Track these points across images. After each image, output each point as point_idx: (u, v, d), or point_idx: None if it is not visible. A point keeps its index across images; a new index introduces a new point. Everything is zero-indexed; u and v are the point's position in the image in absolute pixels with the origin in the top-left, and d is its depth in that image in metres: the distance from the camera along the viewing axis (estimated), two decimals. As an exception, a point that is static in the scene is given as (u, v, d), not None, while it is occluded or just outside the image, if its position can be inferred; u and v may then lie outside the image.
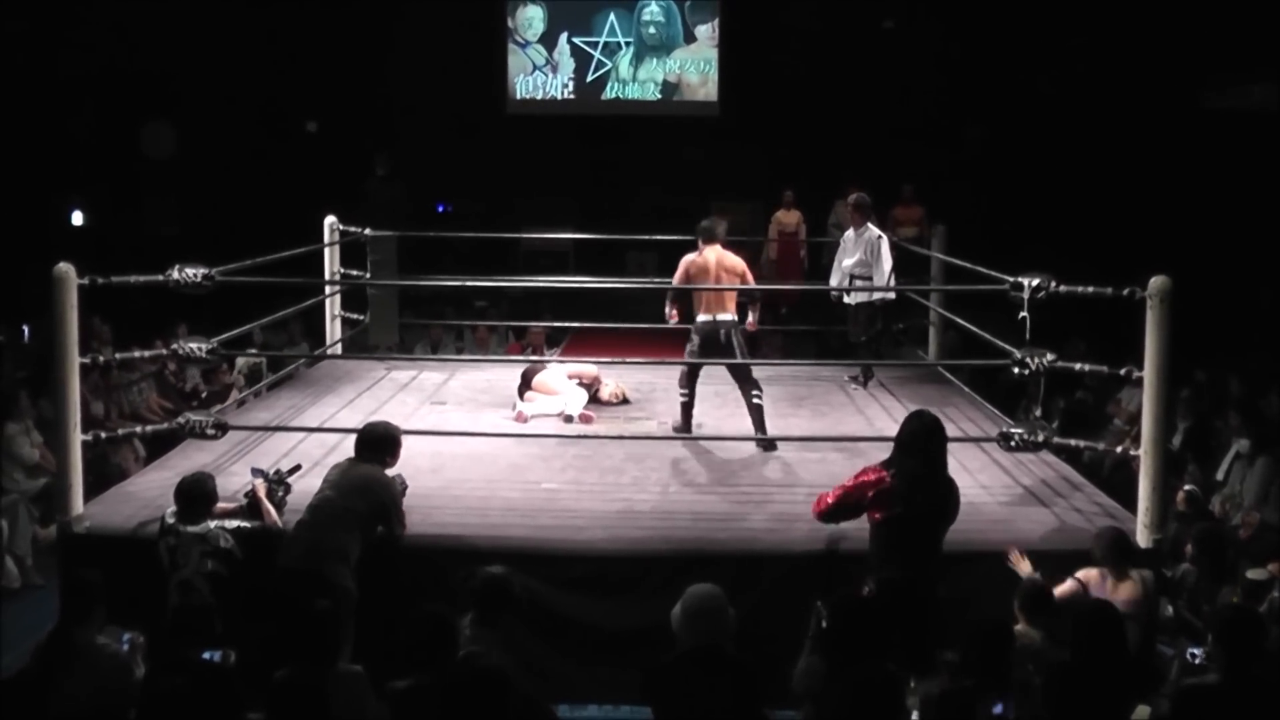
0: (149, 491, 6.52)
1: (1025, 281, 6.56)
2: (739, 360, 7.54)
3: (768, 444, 7.43)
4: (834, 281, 9.58)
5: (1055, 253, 9.40)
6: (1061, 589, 5.43)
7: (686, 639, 4.23)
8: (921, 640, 4.72)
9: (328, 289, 9.94)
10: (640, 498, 6.65)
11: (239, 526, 5.79)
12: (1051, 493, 6.73)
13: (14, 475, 8.51)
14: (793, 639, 4.93)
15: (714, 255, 7.59)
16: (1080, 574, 5.54)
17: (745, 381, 7.53)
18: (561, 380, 8.42)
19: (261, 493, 5.97)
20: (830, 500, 5.39)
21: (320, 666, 4.38)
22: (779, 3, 16.06)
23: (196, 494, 5.77)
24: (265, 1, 15.11)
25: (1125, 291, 6.09)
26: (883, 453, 5.45)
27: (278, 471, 6.21)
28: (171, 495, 5.84)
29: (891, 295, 9.25)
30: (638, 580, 5.92)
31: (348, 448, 6.21)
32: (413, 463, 6.48)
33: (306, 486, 6.05)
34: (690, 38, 17.00)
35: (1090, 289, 6.38)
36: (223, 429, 6.84)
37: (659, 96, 17.11)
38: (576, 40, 17.02)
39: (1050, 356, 6.55)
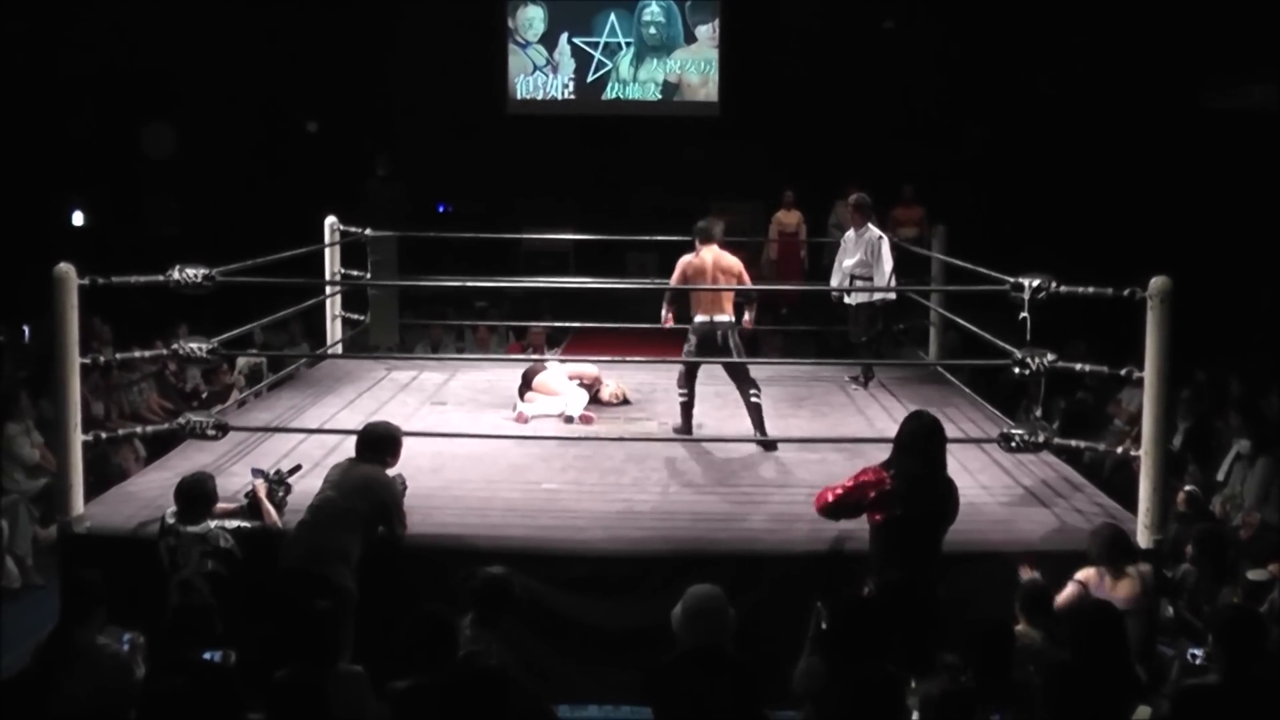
0: (149, 492, 6.52)
1: (1025, 282, 6.56)
2: (736, 360, 7.54)
3: (768, 443, 7.44)
4: (834, 282, 9.58)
5: (1055, 253, 9.41)
6: (1064, 595, 5.42)
7: (687, 639, 4.23)
8: (921, 641, 4.72)
9: (328, 289, 9.94)
10: (640, 498, 6.65)
11: (239, 526, 5.79)
12: (1052, 493, 6.72)
13: (14, 475, 8.51)
14: (793, 639, 4.93)
15: (711, 256, 7.59)
16: (1079, 575, 5.54)
17: (743, 381, 7.54)
18: (562, 381, 8.42)
19: (262, 493, 5.97)
20: (830, 499, 5.40)
21: (321, 667, 4.38)
22: (779, 3, 16.06)
23: (196, 494, 5.78)
24: (265, 1, 15.11)
25: (1126, 292, 6.09)
26: (883, 453, 5.44)
27: (278, 472, 6.21)
28: (171, 495, 5.85)
29: (892, 296, 9.25)
30: (638, 580, 5.92)
31: (348, 448, 6.21)
32: (413, 463, 6.48)
33: (307, 487, 6.05)
34: (691, 38, 17.01)
35: (1090, 289, 6.37)
36: (223, 429, 6.84)
37: (659, 97, 17.11)
38: (577, 40, 17.02)
39: (1050, 357, 6.55)
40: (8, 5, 13.28)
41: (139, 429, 7.74)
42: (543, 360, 9.05)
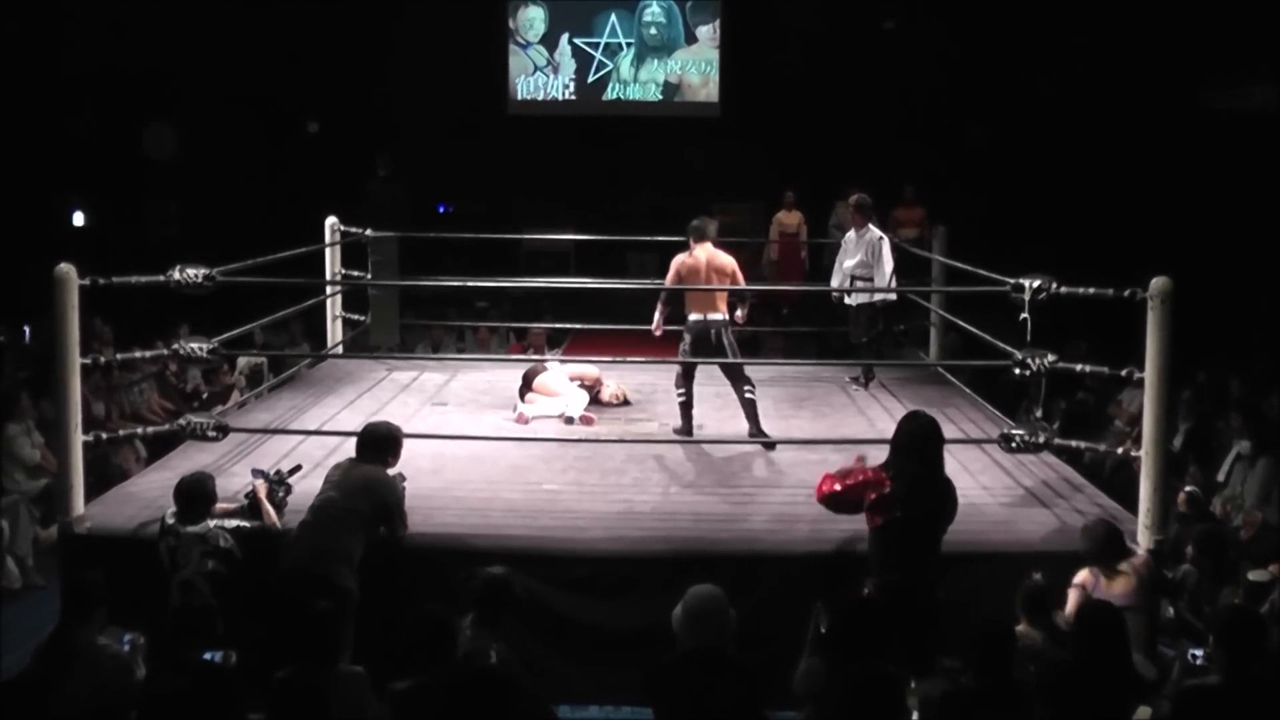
0: (150, 492, 6.52)
1: (1026, 283, 6.56)
2: (731, 360, 7.58)
3: (762, 439, 7.48)
4: (835, 282, 9.58)
5: (1056, 254, 9.40)
6: (1070, 604, 5.42)
7: (687, 640, 4.23)
8: (921, 642, 4.72)
9: (329, 289, 9.94)
10: (641, 499, 6.65)
11: (239, 526, 5.79)
12: (1052, 494, 6.72)
13: (15, 476, 8.52)
14: (793, 640, 4.94)
15: (704, 255, 7.62)
16: (1077, 579, 5.54)
17: (737, 379, 7.59)
18: (562, 381, 8.42)
19: (262, 494, 5.97)
20: (829, 491, 5.42)
21: (321, 667, 4.38)
22: (780, 4, 16.06)
23: (196, 494, 5.78)
24: (265, 1, 15.11)
25: (1126, 292, 6.09)
26: (884, 453, 5.44)
27: (278, 472, 6.21)
28: (172, 496, 5.84)
29: (892, 296, 9.25)
30: (638, 581, 5.92)
31: (349, 449, 6.21)
32: (414, 463, 6.49)
33: (307, 487, 6.05)
34: (691, 38, 17.01)
35: (1091, 290, 6.38)
36: (224, 430, 6.85)
37: (660, 97, 17.11)
38: (577, 41, 17.02)
39: (1051, 358, 6.56)
40: (8, 5, 13.28)
41: (140, 429, 7.74)
42: (543, 361, 9.05)
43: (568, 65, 17.06)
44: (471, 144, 16.11)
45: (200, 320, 9.45)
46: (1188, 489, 7.80)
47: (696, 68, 17.05)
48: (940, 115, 15.68)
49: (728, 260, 7.67)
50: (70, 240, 14.46)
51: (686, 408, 7.70)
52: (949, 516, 5.36)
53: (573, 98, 17.10)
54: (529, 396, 8.38)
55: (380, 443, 5.94)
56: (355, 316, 10.21)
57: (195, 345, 6.92)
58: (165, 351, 7.37)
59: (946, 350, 10.19)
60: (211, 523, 5.72)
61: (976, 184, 15.07)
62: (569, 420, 8.06)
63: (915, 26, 16.02)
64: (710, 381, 7.93)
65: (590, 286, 12.18)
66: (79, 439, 6.23)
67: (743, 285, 7.81)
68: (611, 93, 17.11)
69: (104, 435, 6.85)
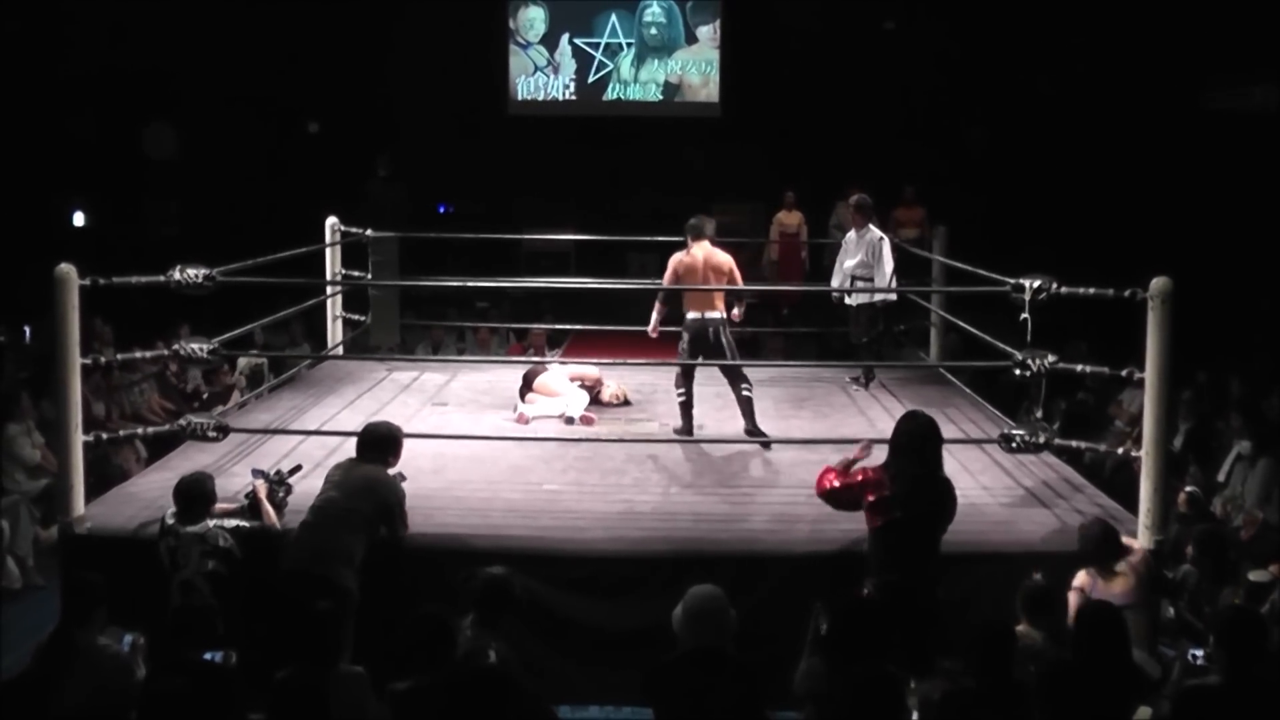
0: (150, 492, 6.52)
1: (1026, 283, 6.56)
2: (729, 359, 7.61)
3: (756, 434, 7.52)
4: (835, 283, 9.58)
5: (1056, 254, 9.40)
6: (1071, 610, 5.41)
7: (688, 640, 4.24)
8: (921, 642, 4.72)
9: (329, 290, 9.94)
10: (641, 499, 6.65)
11: (238, 526, 5.79)
12: (1053, 494, 6.72)
13: (15, 476, 8.52)
14: (794, 640, 4.94)
15: (702, 253, 7.64)
16: (1076, 583, 5.53)
17: (735, 377, 7.62)
18: (563, 382, 8.42)
19: (262, 494, 5.97)
20: (828, 486, 5.44)
21: (321, 667, 4.38)
22: (780, 4, 16.06)
23: (195, 494, 5.78)
24: (266, 1, 15.11)
25: (1126, 293, 6.09)
26: (885, 454, 5.45)
27: (278, 472, 6.21)
28: (171, 496, 5.84)
29: (893, 297, 9.25)
30: (639, 581, 5.92)
31: (349, 449, 6.21)
32: (414, 464, 6.49)
33: (308, 487, 6.05)
34: (691, 39, 17.01)
35: (1091, 290, 6.38)
36: (224, 430, 6.85)
37: (660, 97, 17.11)
38: (578, 41, 17.02)
39: (1051, 358, 6.56)
40: (8, 5, 13.29)
41: (140, 430, 7.74)
42: (544, 361, 9.05)
43: (568, 65, 17.06)
44: (472, 144, 16.11)
45: (201, 320, 9.45)
46: (1188, 489, 7.80)
47: (697, 68, 17.05)
48: (940, 115, 15.68)
49: (725, 258, 7.69)
50: (70, 240, 14.46)
51: (687, 407, 7.71)
52: (948, 516, 5.36)
53: (573, 98, 17.10)
54: (529, 397, 8.38)
55: (381, 443, 5.95)
56: (356, 317, 10.21)
57: (195, 345, 6.92)
58: (165, 352, 7.37)
59: (947, 350, 10.19)
60: (211, 522, 5.72)
61: (977, 184, 15.08)
62: (569, 420, 8.06)
63: (915, 27, 16.03)
64: (710, 381, 7.93)
65: (590, 287, 12.19)
66: (79, 439, 6.23)
67: (740, 284, 7.82)
68: (612, 93, 17.11)
69: (104, 435, 6.85)
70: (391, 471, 5.94)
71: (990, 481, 6.89)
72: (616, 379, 8.78)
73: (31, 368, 9.88)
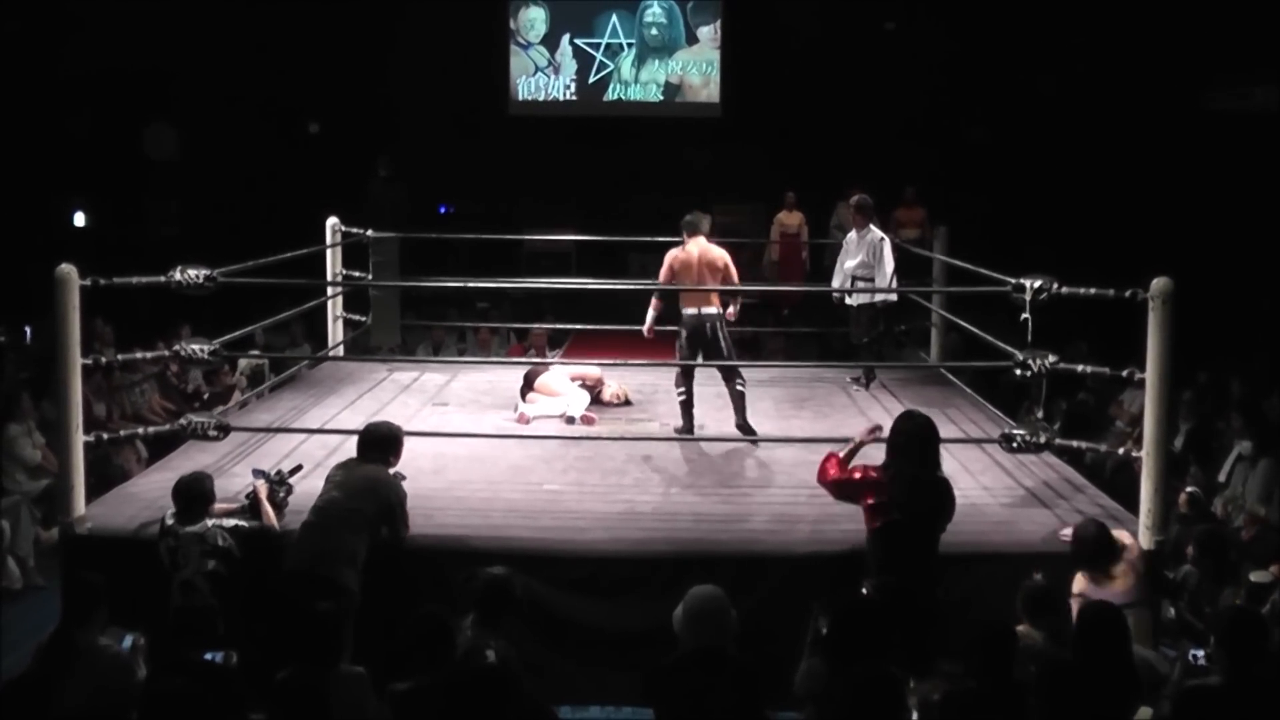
0: (151, 493, 6.52)
1: (1027, 283, 6.56)
2: (725, 358, 7.65)
3: (748, 430, 7.58)
4: (836, 283, 9.58)
5: (1057, 254, 9.41)
6: (1074, 614, 5.41)
7: (688, 640, 4.24)
8: (920, 642, 4.72)
9: (330, 290, 9.94)
10: (642, 499, 6.64)
11: (237, 526, 5.79)
12: (1053, 494, 6.72)
13: (16, 476, 8.52)
14: (794, 640, 4.94)
15: (697, 249, 7.67)
16: (1075, 589, 5.52)
17: (730, 372, 7.67)
18: (564, 382, 8.42)
19: (263, 494, 5.97)
20: (830, 478, 5.44)
21: (322, 667, 4.38)
22: (781, 4, 16.06)
23: (194, 494, 5.77)
24: (266, 1, 15.12)
25: (1127, 293, 6.09)
26: (884, 455, 5.44)
27: (279, 472, 6.21)
28: (170, 496, 5.84)
29: (893, 297, 9.25)
30: (639, 581, 5.92)
31: (349, 449, 6.22)
32: (415, 464, 6.49)
33: (308, 487, 6.05)
34: (692, 39, 17.01)
35: (1092, 290, 6.37)
36: (225, 430, 6.85)
37: (661, 98, 17.11)
38: (578, 42, 17.02)
39: (1052, 358, 6.55)
40: (8, 5, 13.29)
41: (141, 430, 7.73)
42: (545, 361, 9.05)
43: (569, 66, 17.06)
44: (472, 144, 16.12)
45: (201, 321, 9.46)
46: (1189, 489, 7.79)
47: (697, 68, 17.05)
48: (941, 116, 15.69)
49: (720, 254, 7.72)
50: (71, 241, 14.47)
51: (687, 406, 7.72)
52: (947, 517, 5.36)
53: (574, 98, 17.10)
54: (530, 396, 8.38)
55: (381, 442, 5.95)
56: (356, 317, 10.22)
57: (196, 346, 6.93)
58: (166, 352, 7.37)
59: (947, 351, 10.19)
60: (210, 522, 5.72)
61: (977, 184, 15.08)
62: (570, 420, 8.06)
63: (916, 27, 16.03)
64: (711, 381, 7.94)
65: (591, 287, 12.19)
66: (80, 439, 6.23)
67: (735, 278, 7.83)
68: (612, 93, 17.11)
69: (105, 436, 6.85)
70: (392, 471, 5.94)
71: (991, 482, 6.89)
72: (617, 379, 8.79)
73: (32, 368, 9.88)
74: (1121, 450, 6.90)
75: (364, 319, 10.24)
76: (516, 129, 16.74)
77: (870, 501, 5.27)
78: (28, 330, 11.56)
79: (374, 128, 15.76)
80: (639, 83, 17.08)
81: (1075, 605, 5.43)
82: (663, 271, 7.81)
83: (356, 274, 10.10)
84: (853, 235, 9.40)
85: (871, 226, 9.28)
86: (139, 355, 8.21)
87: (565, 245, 15.05)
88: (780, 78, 15.99)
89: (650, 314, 7.95)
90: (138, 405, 10.27)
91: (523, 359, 10.61)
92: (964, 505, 5.64)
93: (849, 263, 9.31)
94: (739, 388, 7.62)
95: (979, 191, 14.91)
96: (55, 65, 14.33)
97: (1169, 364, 6.00)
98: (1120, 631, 4.39)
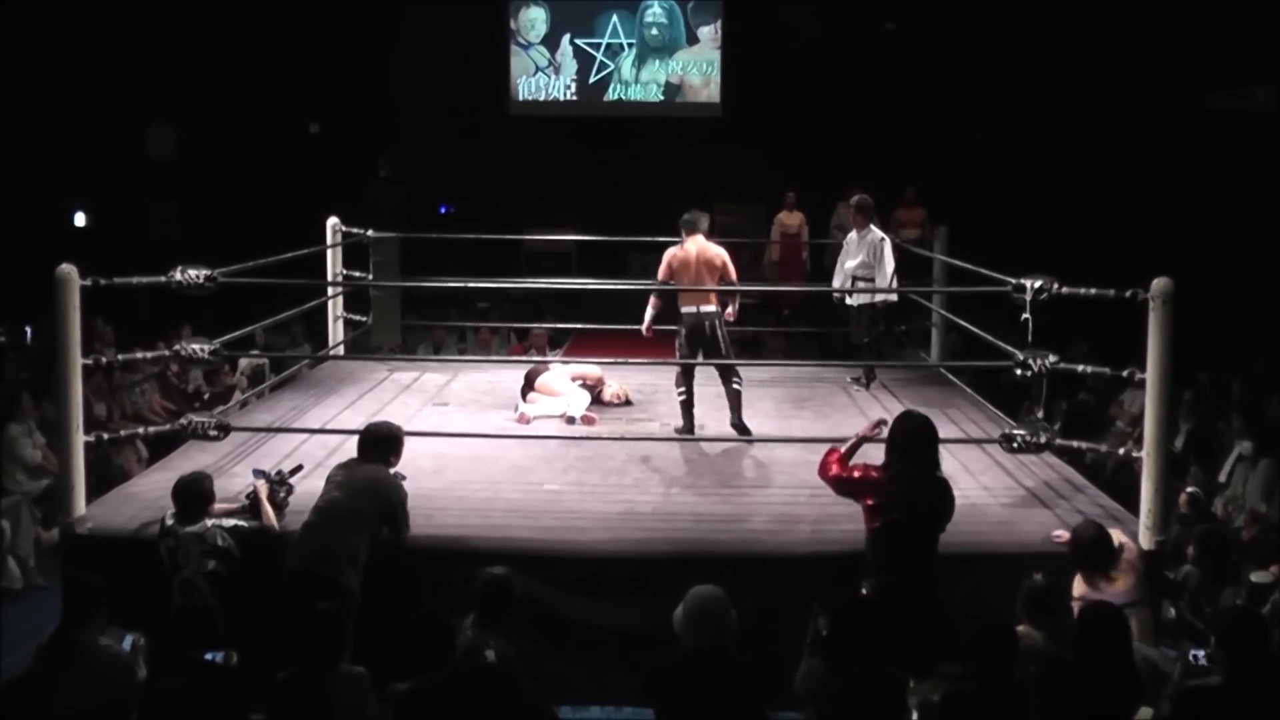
0: (151, 493, 6.52)
1: (1027, 283, 6.56)
2: (723, 356, 7.67)
3: (742, 429, 7.61)
4: (836, 283, 9.58)
5: (1057, 254, 9.40)
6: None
7: (688, 640, 4.24)
8: (920, 642, 4.72)
9: (330, 290, 9.95)
10: (642, 499, 6.64)
11: (236, 525, 5.79)
12: (1054, 494, 6.72)
13: (16, 476, 8.52)
14: (795, 640, 4.94)
15: (695, 247, 7.69)
16: (1075, 592, 5.52)
17: (727, 370, 7.70)
18: (564, 382, 8.42)
19: (263, 494, 5.97)
20: (830, 474, 5.44)
21: (322, 668, 4.38)
22: (781, 4, 16.05)
23: (193, 494, 5.77)
24: (266, 2, 15.11)
25: (1128, 293, 6.09)
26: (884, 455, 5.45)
27: (279, 472, 6.21)
28: (170, 497, 5.84)
29: (894, 297, 9.25)
30: (640, 582, 5.92)
31: (350, 449, 6.22)
32: (415, 464, 6.49)
33: (309, 487, 6.06)
34: (693, 39, 17.01)
35: (1092, 291, 6.38)
36: (225, 430, 6.85)
37: (661, 98, 17.11)
38: (579, 42, 17.02)
39: (1052, 358, 6.55)
40: (8, 5, 13.29)
41: (141, 430, 7.73)
42: (545, 361, 9.05)
43: (569, 66, 17.05)
44: (473, 145, 16.12)
45: (202, 321, 9.45)
46: (1189, 490, 7.79)
47: (698, 68, 17.05)
48: (941, 115, 15.68)
49: (718, 252, 7.73)
50: (71, 241, 14.46)
51: (688, 406, 7.73)
52: (946, 517, 5.36)
53: (574, 98, 17.10)
54: (531, 396, 8.38)
55: (382, 442, 5.95)
56: (357, 317, 10.22)
57: (197, 346, 6.93)
58: (167, 352, 7.37)
59: (948, 351, 10.19)
60: (209, 522, 5.72)
61: (978, 184, 15.07)
62: (571, 420, 8.06)
63: (916, 27, 16.02)
64: (711, 381, 7.94)
65: (591, 287, 12.19)
66: (80, 439, 6.23)
67: (733, 276, 7.84)
68: (613, 93, 17.11)
69: (105, 436, 6.85)
70: (392, 471, 5.94)
71: (991, 482, 6.89)
72: (618, 378, 8.79)
73: (33, 368, 9.88)
74: (1122, 450, 6.90)
75: (364, 319, 10.25)
76: (517, 129, 16.73)
77: (870, 502, 5.27)
78: (28, 330, 11.55)
79: (374, 128, 15.75)
80: (639, 83, 17.08)
81: (1076, 609, 5.43)
82: (661, 270, 7.82)
83: (357, 274, 10.10)
84: (853, 235, 9.40)
85: (872, 226, 9.28)
86: (139, 355, 8.21)
87: (566, 245, 15.05)
88: (780, 78, 15.98)
89: (649, 312, 7.96)
90: (138, 405, 10.27)
91: (523, 358, 10.61)
92: (964, 505, 5.63)
93: (849, 263, 9.31)
94: (735, 386, 7.65)
95: (979, 191, 14.90)
96: (55, 65, 14.33)
97: (1169, 364, 6.00)
98: (1121, 631, 4.39)
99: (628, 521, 6.32)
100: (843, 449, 5.55)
